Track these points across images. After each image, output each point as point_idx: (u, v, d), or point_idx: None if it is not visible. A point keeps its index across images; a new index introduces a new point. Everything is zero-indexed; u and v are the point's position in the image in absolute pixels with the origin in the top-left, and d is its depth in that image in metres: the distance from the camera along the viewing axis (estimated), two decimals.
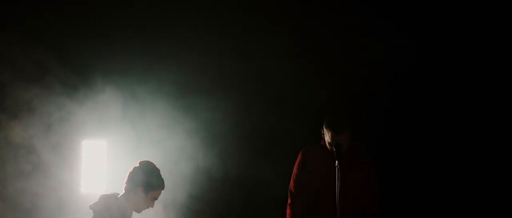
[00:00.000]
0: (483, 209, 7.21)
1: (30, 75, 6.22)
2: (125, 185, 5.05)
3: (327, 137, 5.85)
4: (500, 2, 7.19)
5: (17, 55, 6.19)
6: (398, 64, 7.16)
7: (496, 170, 7.21)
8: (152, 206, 5.09)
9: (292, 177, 6.07)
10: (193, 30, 7.01)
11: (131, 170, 5.06)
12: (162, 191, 5.11)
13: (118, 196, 5.06)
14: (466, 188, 7.24)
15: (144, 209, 5.09)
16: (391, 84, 7.17)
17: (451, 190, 7.27)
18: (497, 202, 7.21)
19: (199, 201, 6.73)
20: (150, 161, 5.11)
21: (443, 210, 7.29)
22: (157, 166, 5.07)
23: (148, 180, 4.99)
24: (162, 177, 5.07)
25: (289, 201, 6.05)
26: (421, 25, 7.23)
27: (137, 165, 5.07)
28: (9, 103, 6.24)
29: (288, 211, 6.05)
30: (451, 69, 7.28)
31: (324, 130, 5.88)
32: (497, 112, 7.25)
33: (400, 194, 7.16)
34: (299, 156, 6.07)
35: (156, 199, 5.08)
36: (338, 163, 5.58)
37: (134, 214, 5.13)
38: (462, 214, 7.25)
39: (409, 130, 7.24)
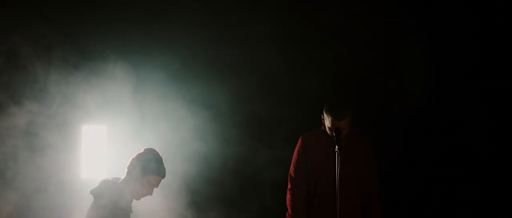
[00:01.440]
0: (483, 209, 7.18)
1: (30, 59, 6.22)
2: (126, 170, 5.02)
3: (327, 122, 5.87)
4: (500, 2, 7.24)
5: (17, 37, 6.20)
6: (397, 60, 7.21)
7: (496, 170, 7.19)
8: (151, 194, 5.05)
9: (292, 162, 6.08)
10: (189, 17, 7.05)
11: (134, 156, 5.03)
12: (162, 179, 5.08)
13: (119, 181, 5.03)
14: (466, 188, 7.22)
15: (143, 195, 5.04)
16: (389, 79, 7.19)
17: (451, 190, 7.25)
18: (497, 202, 7.18)
19: (198, 184, 6.72)
20: (155, 148, 5.07)
21: (443, 210, 7.26)
22: (160, 154, 5.03)
23: (147, 165, 4.95)
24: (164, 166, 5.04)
25: (289, 186, 6.06)
26: (422, 21, 7.26)
27: (142, 151, 5.04)
28: (9, 88, 6.24)
29: (288, 196, 6.05)
30: (450, 67, 7.30)
31: (324, 115, 5.90)
32: (497, 112, 7.25)
33: (400, 193, 7.15)
34: (299, 141, 6.07)
35: (154, 186, 5.04)
36: (338, 148, 5.58)
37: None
38: (462, 214, 7.22)
39: (407, 127, 7.24)
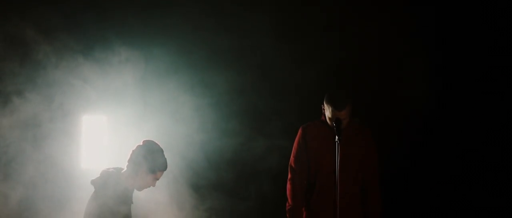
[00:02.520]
0: (483, 209, 7.16)
1: (29, 49, 6.24)
2: (127, 163, 5.01)
3: (328, 112, 5.88)
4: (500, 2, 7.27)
5: (17, 24, 6.22)
6: (397, 58, 7.23)
7: (496, 170, 7.18)
8: (154, 186, 5.09)
9: (292, 152, 6.08)
10: (189, 7, 7.07)
11: (134, 148, 5.03)
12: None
13: (121, 171, 5.03)
14: (466, 188, 7.20)
15: (146, 187, 5.08)
16: (388, 77, 7.21)
17: (451, 190, 7.24)
18: (497, 202, 7.16)
19: (197, 172, 6.73)
20: (154, 140, 5.08)
21: (443, 210, 7.25)
22: (160, 146, 5.04)
23: (151, 162, 4.97)
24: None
25: (289, 176, 6.06)
26: (422, 20, 7.29)
27: (141, 143, 5.03)
28: (9, 77, 6.26)
29: (288, 186, 6.04)
30: (450, 67, 7.32)
31: (325, 105, 5.91)
32: (497, 112, 7.25)
33: (400, 193, 7.14)
34: (300, 131, 6.08)
35: (157, 179, 5.07)
36: (338, 138, 5.58)
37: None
38: (462, 214, 7.21)
39: (407, 127, 7.24)
